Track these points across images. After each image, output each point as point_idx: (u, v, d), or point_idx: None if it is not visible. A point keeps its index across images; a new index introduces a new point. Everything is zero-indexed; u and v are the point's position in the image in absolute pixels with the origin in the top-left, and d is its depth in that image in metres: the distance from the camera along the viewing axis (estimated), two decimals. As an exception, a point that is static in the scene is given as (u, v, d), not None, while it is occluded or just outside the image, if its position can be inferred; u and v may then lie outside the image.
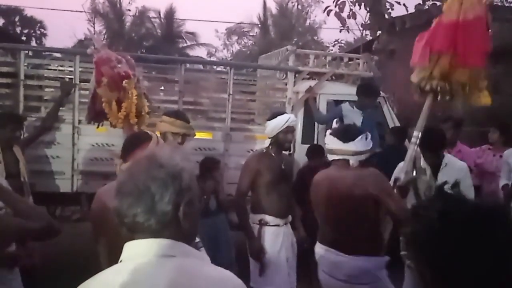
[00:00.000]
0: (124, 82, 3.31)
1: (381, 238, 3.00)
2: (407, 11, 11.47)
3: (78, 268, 3.81)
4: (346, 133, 2.91)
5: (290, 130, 3.60)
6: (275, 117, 3.61)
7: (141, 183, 1.21)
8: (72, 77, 4.74)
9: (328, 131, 3.14)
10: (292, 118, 3.63)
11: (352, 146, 2.84)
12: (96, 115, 3.73)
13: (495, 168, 4.99)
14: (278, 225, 3.61)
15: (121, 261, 1.24)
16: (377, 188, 2.75)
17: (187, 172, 1.27)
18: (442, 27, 2.99)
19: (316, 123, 5.53)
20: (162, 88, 5.78)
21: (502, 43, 10.96)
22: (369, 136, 2.97)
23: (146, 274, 1.17)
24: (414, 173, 3.45)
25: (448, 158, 3.63)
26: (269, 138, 3.65)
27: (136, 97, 3.36)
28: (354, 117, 5.16)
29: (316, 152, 4.96)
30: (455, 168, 3.49)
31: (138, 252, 1.21)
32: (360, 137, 2.87)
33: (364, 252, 2.80)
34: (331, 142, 2.93)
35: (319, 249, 3.03)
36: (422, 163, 3.58)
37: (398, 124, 5.79)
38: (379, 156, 4.62)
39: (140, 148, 2.16)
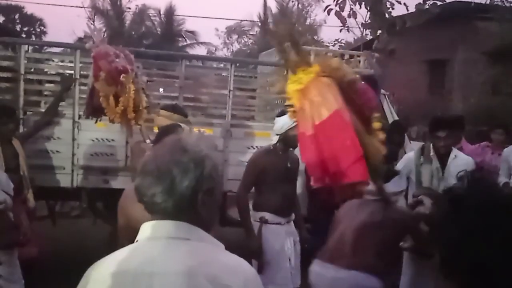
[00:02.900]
0: (121, 76, 3.30)
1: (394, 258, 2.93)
2: (408, 10, 11.49)
3: (77, 264, 3.84)
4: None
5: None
6: (285, 113, 3.43)
7: (163, 164, 1.22)
8: (72, 72, 4.74)
9: None
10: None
11: (390, 187, 2.85)
12: (94, 110, 3.73)
13: (494, 166, 5.00)
14: (279, 224, 3.56)
15: (137, 241, 1.25)
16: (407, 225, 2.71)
17: (211, 160, 1.26)
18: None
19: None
20: (162, 86, 5.78)
21: (502, 44, 11.00)
22: (403, 177, 3.02)
23: (160, 254, 1.18)
24: (421, 160, 3.60)
25: (456, 151, 3.82)
26: (277, 135, 3.56)
27: (133, 91, 3.36)
28: None
29: None
30: (463, 161, 3.68)
31: (154, 232, 1.23)
32: (394, 179, 2.93)
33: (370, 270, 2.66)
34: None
35: (316, 266, 2.87)
36: (431, 153, 3.69)
37: (398, 122, 5.81)
38: None
39: None
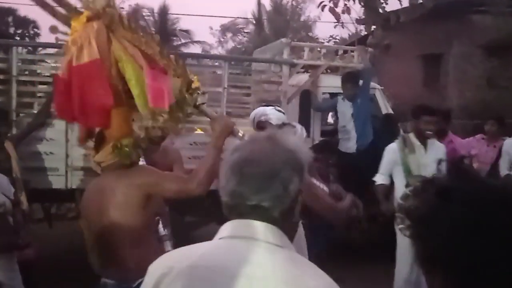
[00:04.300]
0: None
1: None
2: (401, 5, 11.47)
3: (75, 266, 3.81)
4: None
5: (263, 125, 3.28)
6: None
7: (271, 166, 1.12)
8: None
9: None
10: (261, 112, 3.39)
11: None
12: None
13: (490, 158, 5.00)
14: None
15: (220, 238, 1.14)
16: None
17: (308, 161, 1.19)
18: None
19: (311, 117, 5.61)
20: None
21: (497, 37, 11.00)
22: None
23: (260, 257, 1.07)
24: (405, 151, 3.75)
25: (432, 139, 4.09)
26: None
27: None
28: (345, 109, 5.29)
29: (324, 149, 4.92)
30: (439, 148, 4.03)
31: (251, 232, 1.11)
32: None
33: None
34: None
35: None
36: (414, 141, 3.83)
37: (393, 117, 5.84)
38: (373, 142, 4.81)
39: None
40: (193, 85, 2.22)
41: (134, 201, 2.12)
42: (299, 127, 3.10)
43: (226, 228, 1.15)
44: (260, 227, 1.12)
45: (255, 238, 1.11)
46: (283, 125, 3.08)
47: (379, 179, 4.12)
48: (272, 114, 3.32)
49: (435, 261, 0.97)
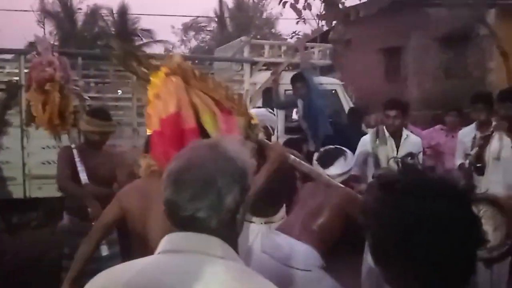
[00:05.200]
0: (47, 85, 3.37)
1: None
2: (360, 0, 11.67)
3: (38, 276, 3.69)
4: (324, 159, 3.12)
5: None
6: None
7: (207, 174, 1.08)
8: (18, 78, 4.54)
9: (314, 158, 3.32)
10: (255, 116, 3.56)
11: (332, 170, 3.04)
12: (32, 118, 3.69)
13: (449, 148, 5.12)
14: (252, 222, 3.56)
15: (159, 253, 1.10)
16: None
17: (251, 171, 1.15)
18: None
19: (275, 114, 5.59)
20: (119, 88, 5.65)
21: (451, 29, 11.33)
22: (349, 156, 3.16)
23: (203, 272, 1.02)
24: (377, 143, 3.82)
25: (407, 131, 4.15)
26: None
27: (58, 98, 3.42)
28: (301, 107, 5.34)
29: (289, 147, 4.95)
30: (413, 142, 4.04)
31: (188, 245, 1.08)
32: (337, 160, 3.09)
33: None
34: (317, 168, 3.09)
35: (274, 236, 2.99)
36: (386, 134, 3.89)
37: (355, 111, 5.90)
38: (339, 137, 4.84)
39: None
40: (253, 122, 2.51)
41: None
42: (349, 153, 3.23)
43: (165, 242, 1.11)
44: (198, 239, 1.08)
45: (193, 251, 1.07)
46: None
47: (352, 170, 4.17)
48: (266, 116, 3.40)
49: (381, 251, 1.01)
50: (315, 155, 3.44)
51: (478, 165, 3.84)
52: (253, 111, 3.48)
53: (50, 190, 4.52)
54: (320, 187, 2.97)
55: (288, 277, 2.70)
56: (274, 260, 2.80)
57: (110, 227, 2.41)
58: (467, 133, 4.23)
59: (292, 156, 2.67)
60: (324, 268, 2.79)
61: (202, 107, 2.28)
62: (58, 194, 4.50)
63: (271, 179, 2.47)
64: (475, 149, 3.86)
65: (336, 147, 3.31)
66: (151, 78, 2.30)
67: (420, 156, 4.06)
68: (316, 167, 3.09)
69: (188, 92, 2.27)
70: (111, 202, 2.34)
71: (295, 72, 5.68)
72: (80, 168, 3.29)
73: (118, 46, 2.35)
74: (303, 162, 2.82)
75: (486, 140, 3.85)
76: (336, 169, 3.07)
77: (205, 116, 2.27)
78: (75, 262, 2.21)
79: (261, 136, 2.62)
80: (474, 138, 4.00)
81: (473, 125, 4.19)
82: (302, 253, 2.76)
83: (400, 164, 1.05)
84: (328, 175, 2.99)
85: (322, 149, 3.28)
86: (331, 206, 2.88)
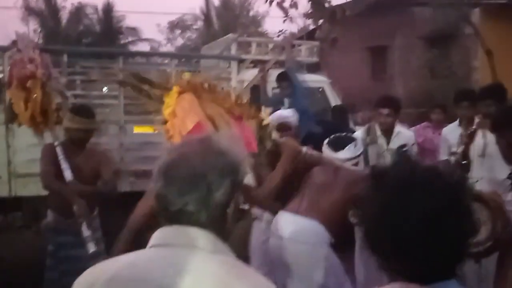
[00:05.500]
0: (28, 82, 3.35)
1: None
2: (346, -1, 11.74)
3: (25, 276, 3.64)
4: (335, 144, 3.25)
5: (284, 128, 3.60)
6: None
7: (196, 168, 1.08)
8: (1, 75, 4.47)
9: (325, 142, 3.41)
10: (279, 116, 3.64)
11: (342, 154, 3.17)
12: (14, 116, 3.65)
13: (435, 145, 5.18)
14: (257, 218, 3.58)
15: (151, 246, 1.10)
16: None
17: (243, 166, 1.16)
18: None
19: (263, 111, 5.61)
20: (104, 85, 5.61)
21: (436, 28, 11.47)
22: (358, 143, 3.31)
23: (192, 265, 1.02)
24: (368, 141, 3.88)
25: (400, 127, 4.20)
26: None
27: (40, 95, 3.39)
28: (286, 103, 5.36)
29: None
30: (405, 136, 4.12)
31: (179, 239, 1.08)
32: (348, 146, 3.22)
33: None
34: (327, 152, 3.23)
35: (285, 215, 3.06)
36: (378, 131, 3.93)
37: (342, 109, 5.94)
38: (327, 135, 4.86)
39: None
40: (264, 122, 2.68)
41: None
42: (359, 141, 3.38)
43: (156, 236, 1.11)
44: (187, 233, 1.08)
45: (182, 244, 1.07)
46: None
47: None
48: (291, 116, 3.68)
49: (372, 238, 1.06)
50: (326, 140, 3.50)
51: (463, 162, 3.90)
52: (277, 113, 3.66)
53: (38, 189, 4.47)
54: (328, 170, 3.09)
55: (296, 253, 2.79)
56: (283, 237, 2.87)
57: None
58: (451, 130, 4.30)
59: (305, 148, 2.87)
60: (332, 245, 2.88)
61: (217, 118, 2.45)
62: (45, 192, 4.47)
63: (288, 173, 2.60)
64: (461, 147, 3.91)
65: (346, 134, 3.46)
66: (164, 99, 2.43)
67: (414, 147, 4.16)
68: (326, 150, 3.22)
69: (202, 106, 2.43)
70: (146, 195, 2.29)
71: (280, 71, 5.69)
72: (65, 165, 3.27)
73: (128, 75, 2.59)
74: (314, 152, 2.99)
75: (470, 137, 3.90)
76: (345, 154, 3.19)
77: (222, 125, 2.43)
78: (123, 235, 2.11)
79: (275, 135, 2.77)
80: (460, 135, 4.05)
81: (456, 122, 4.26)
82: (310, 228, 2.86)
83: (393, 155, 1.10)
84: (338, 159, 3.13)
85: (333, 136, 3.36)
86: (339, 186, 2.98)
